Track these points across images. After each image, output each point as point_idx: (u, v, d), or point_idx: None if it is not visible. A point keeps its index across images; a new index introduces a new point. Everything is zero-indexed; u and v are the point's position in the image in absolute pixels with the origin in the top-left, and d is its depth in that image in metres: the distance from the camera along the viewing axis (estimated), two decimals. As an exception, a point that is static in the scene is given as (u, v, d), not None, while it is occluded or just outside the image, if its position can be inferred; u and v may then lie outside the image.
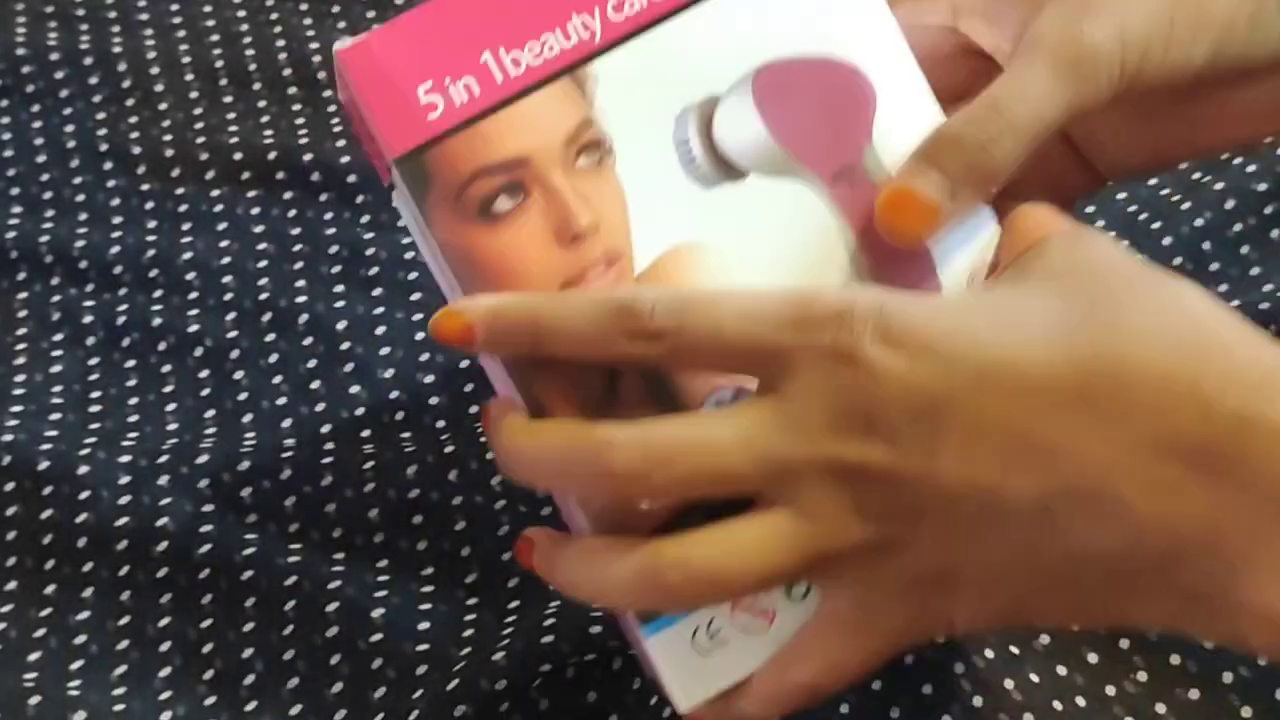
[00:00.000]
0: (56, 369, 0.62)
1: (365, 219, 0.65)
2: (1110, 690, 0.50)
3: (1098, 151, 0.48)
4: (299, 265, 0.64)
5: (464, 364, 0.60)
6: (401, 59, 0.41)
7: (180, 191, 0.67)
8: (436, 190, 0.41)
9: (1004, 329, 0.37)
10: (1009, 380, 0.37)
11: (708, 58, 0.43)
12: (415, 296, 0.62)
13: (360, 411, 0.59)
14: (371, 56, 0.41)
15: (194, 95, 0.70)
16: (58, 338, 0.63)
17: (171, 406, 0.60)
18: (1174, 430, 0.35)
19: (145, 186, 0.67)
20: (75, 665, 0.53)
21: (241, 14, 0.74)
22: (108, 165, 0.68)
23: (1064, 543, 0.37)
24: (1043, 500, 0.36)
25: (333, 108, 0.69)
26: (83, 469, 0.56)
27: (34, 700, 0.52)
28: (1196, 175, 0.62)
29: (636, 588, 0.39)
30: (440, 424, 0.58)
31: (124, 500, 0.56)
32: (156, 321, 0.62)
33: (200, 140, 0.69)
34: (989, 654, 0.51)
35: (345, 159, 0.67)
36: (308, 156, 0.67)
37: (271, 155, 0.67)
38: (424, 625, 0.52)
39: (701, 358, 0.39)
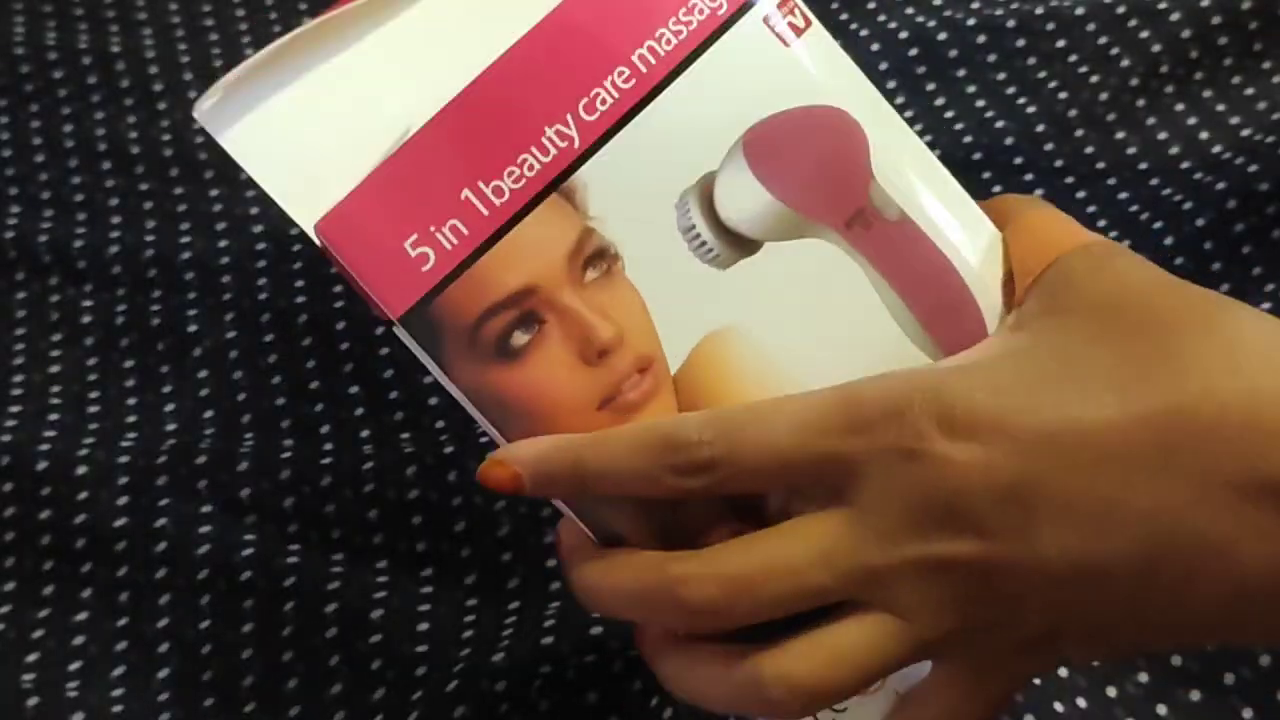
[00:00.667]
0: (55, 369, 0.62)
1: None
2: (1111, 692, 0.50)
3: None
4: (298, 265, 0.64)
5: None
6: (380, 218, 0.40)
7: (179, 191, 0.67)
8: (448, 339, 0.40)
9: (1067, 393, 0.37)
10: (1088, 452, 0.36)
11: (692, 135, 0.41)
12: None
13: (359, 412, 0.59)
14: (349, 222, 0.40)
15: (193, 95, 0.70)
16: (56, 337, 0.63)
17: (170, 407, 0.60)
18: (1263, 472, 0.35)
19: (144, 186, 0.67)
20: (74, 666, 0.53)
21: (241, 13, 0.74)
22: (106, 165, 0.68)
23: (1171, 596, 0.36)
24: (1146, 563, 0.36)
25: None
26: (81, 469, 0.56)
27: (32, 701, 0.52)
28: (1198, 175, 0.62)
29: (742, 701, 0.38)
30: (440, 424, 0.58)
31: (122, 501, 0.56)
32: (155, 321, 0.62)
33: (199, 140, 0.69)
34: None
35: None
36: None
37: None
38: (423, 626, 0.52)
39: (759, 480, 0.38)
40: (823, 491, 0.38)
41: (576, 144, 0.40)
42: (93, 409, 0.60)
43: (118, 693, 0.53)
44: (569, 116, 0.40)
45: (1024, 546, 0.36)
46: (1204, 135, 0.63)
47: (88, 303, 0.63)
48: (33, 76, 0.71)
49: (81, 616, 0.55)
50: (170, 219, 0.66)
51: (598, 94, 0.41)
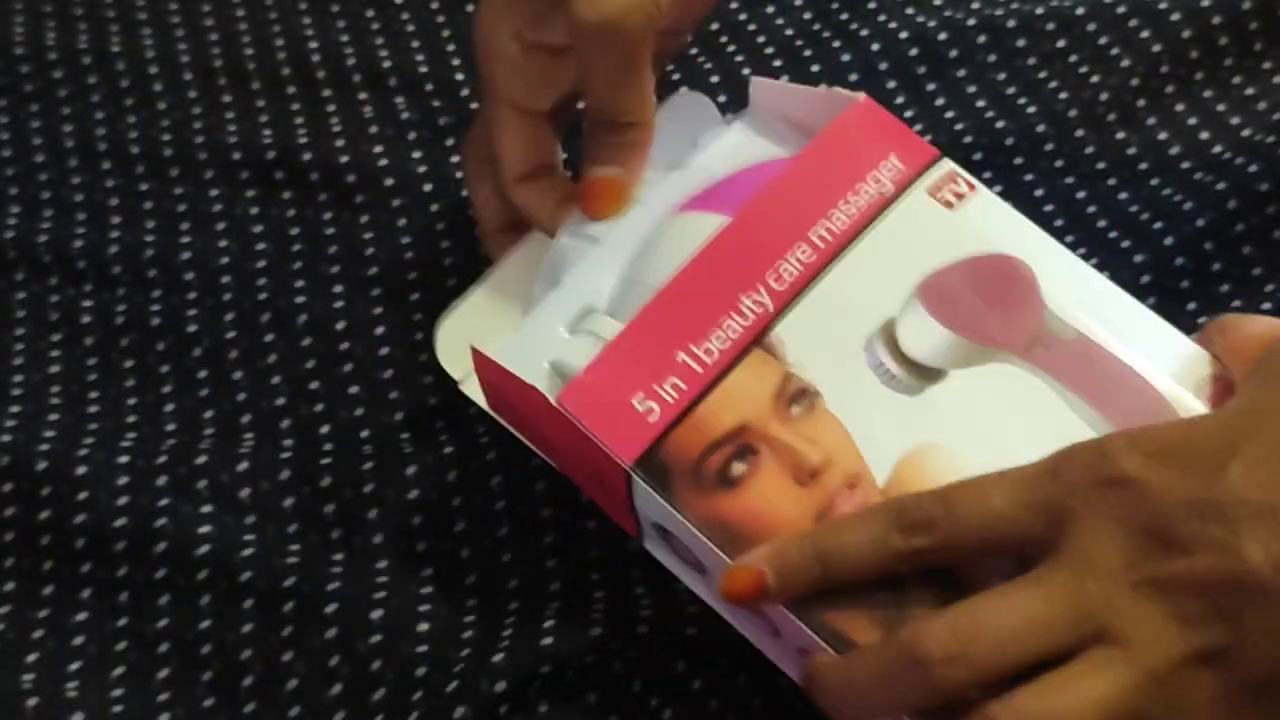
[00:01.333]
0: (54, 369, 0.62)
1: (364, 219, 0.65)
2: None
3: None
4: (298, 265, 0.64)
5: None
6: (612, 384, 0.46)
7: (179, 191, 0.67)
8: (676, 477, 0.45)
9: (1258, 422, 0.39)
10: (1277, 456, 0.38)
11: (871, 290, 0.47)
12: (414, 296, 0.62)
13: (359, 412, 0.59)
14: (588, 391, 0.46)
15: (193, 95, 0.70)
16: (55, 338, 0.63)
17: (170, 407, 0.60)
18: None
19: (144, 186, 0.67)
20: (73, 666, 0.53)
21: (241, 13, 0.74)
22: (106, 165, 0.68)
23: None
24: None
25: (332, 108, 0.69)
26: (81, 469, 0.56)
27: (32, 701, 0.52)
28: (1199, 175, 0.62)
29: None
30: (439, 424, 0.58)
31: (122, 501, 0.56)
32: (155, 321, 0.62)
33: (199, 140, 0.69)
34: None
35: (344, 159, 0.67)
36: (307, 156, 0.67)
37: (271, 155, 0.67)
38: (423, 626, 0.52)
39: (975, 537, 0.41)
40: (1038, 548, 0.40)
41: (770, 309, 0.47)
42: (92, 409, 0.60)
43: (117, 693, 0.53)
44: (761, 287, 0.47)
45: (1231, 557, 0.37)
46: (1204, 135, 0.63)
47: (87, 303, 0.63)
48: (33, 76, 0.71)
49: (81, 616, 0.55)
50: (170, 219, 0.66)
51: (784, 267, 0.47)
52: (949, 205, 0.49)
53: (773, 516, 0.44)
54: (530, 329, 0.51)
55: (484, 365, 0.49)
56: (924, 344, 0.46)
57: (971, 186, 0.49)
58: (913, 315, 0.47)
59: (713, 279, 0.47)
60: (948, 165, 0.50)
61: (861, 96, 0.51)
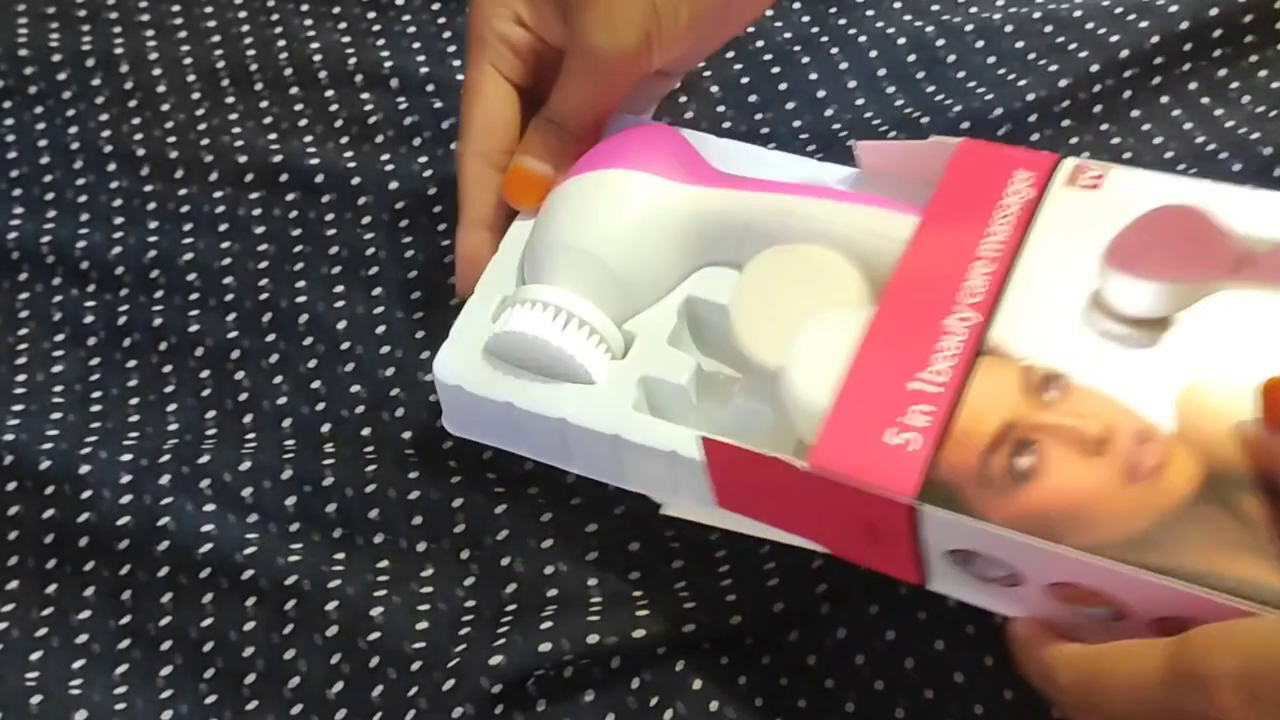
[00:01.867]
0: (58, 369, 0.62)
1: (366, 219, 0.65)
2: None
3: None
4: (300, 266, 0.64)
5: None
6: (855, 433, 0.45)
7: (182, 192, 0.67)
8: (965, 492, 0.43)
9: None
10: None
11: (1064, 273, 0.47)
12: (415, 295, 0.62)
13: (360, 410, 0.59)
14: (834, 447, 0.45)
15: (196, 96, 0.70)
16: (59, 338, 0.63)
17: (172, 407, 0.60)
18: None
19: (147, 187, 0.67)
20: (77, 664, 0.54)
21: (242, 14, 0.74)
22: (110, 166, 0.68)
23: None
24: None
25: (334, 108, 0.69)
26: (84, 469, 0.56)
27: (36, 699, 0.52)
28: (1182, 167, 0.63)
29: None
30: (441, 425, 0.58)
31: (125, 500, 0.56)
32: (157, 322, 0.63)
33: (202, 141, 0.69)
34: (939, 645, 0.51)
35: (346, 160, 0.67)
36: (310, 158, 0.67)
37: (273, 157, 0.67)
38: (423, 625, 0.52)
39: None
40: None
41: (978, 319, 0.47)
42: (95, 409, 0.60)
43: (120, 690, 0.53)
44: (959, 307, 0.47)
45: None
46: (1193, 133, 0.64)
47: (90, 303, 0.64)
48: (36, 78, 0.71)
49: (84, 615, 0.55)
50: (173, 219, 0.66)
51: (971, 284, 0.47)
52: (1093, 187, 0.49)
53: (1080, 493, 0.43)
54: (454, 337, 0.53)
55: (717, 451, 0.48)
56: (1137, 301, 0.46)
57: (1103, 170, 0.50)
58: (1115, 280, 0.47)
59: (907, 320, 0.47)
60: (1072, 160, 0.50)
61: (965, 140, 0.52)
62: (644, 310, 0.53)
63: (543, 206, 0.55)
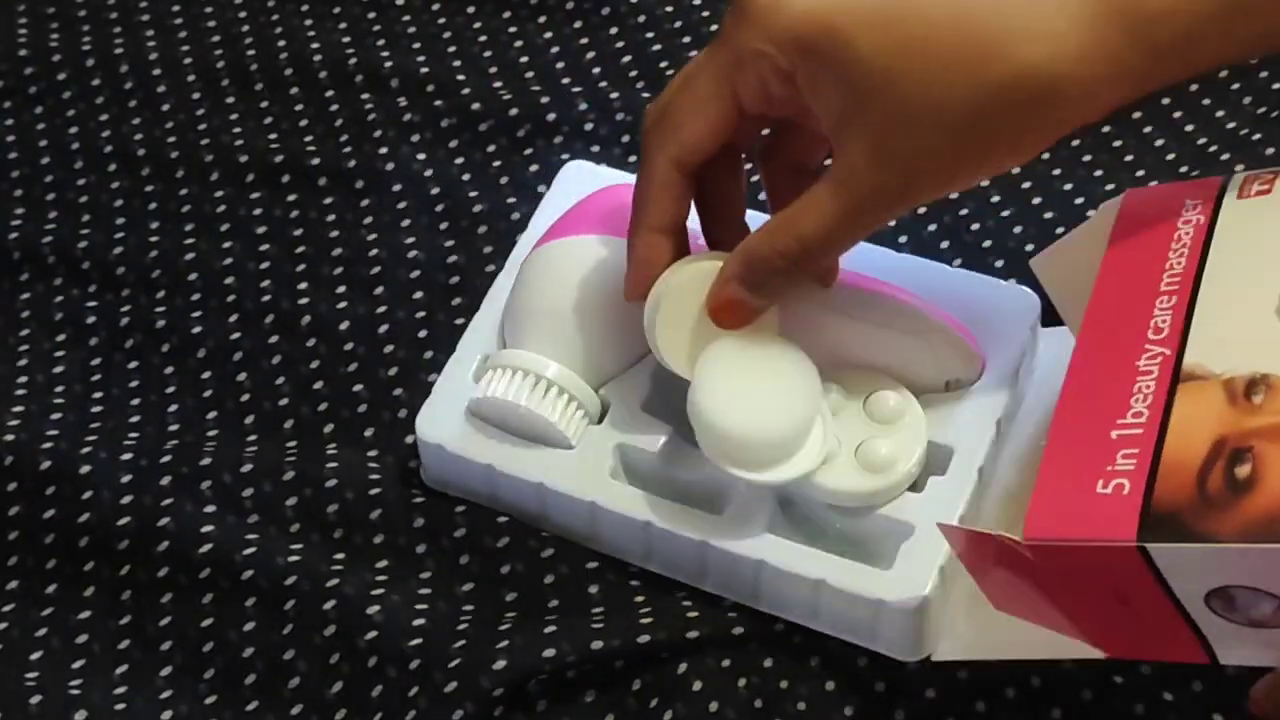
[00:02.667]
0: (59, 369, 0.62)
1: (368, 220, 0.65)
2: (1118, 679, 0.50)
3: None
4: (301, 267, 0.64)
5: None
6: (1064, 494, 0.44)
7: (184, 193, 0.67)
8: (1189, 518, 0.41)
9: None
10: None
11: (1248, 283, 0.46)
12: (417, 296, 0.62)
13: (362, 410, 0.59)
14: (1045, 515, 0.44)
15: (196, 96, 0.70)
16: (60, 338, 0.63)
17: (173, 407, 0.60)
18: None
19: (149, 188, 0.67)
20: (76, 664, 0.54)
21: (242, 14, 0.74)
22: (111, 166, 0.68)
23: None
24: None
25: (335, 107, 0.69)
26: (84, 469, 0.56)
27: (35, 699, 0.52)
28: (1184, 169, 0.63)
29: None
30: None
31: (125, 500, 0.56)
32: (159, 323, 0.62)
33: (203, 141, 0.69)
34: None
35: (348, 160, 0.67)
36: (311, 158, 0.67)
37: (274, 156, 0.67)
38: (423, 625, 0.52)
39: None
40: None
41: (1169, 352, 0.46)
42: (96, 409, 0.60)
43: (120, 691, 0.53)
44: (1149, 345, 0.46)
45: None
46: (1195, 134, 0.64)
47: (91, 303, 0.64)
48: (37, 78, 0.71)
49: (84, 615, 0.55)
50: (174, 220, 0.66)
51: (1156, 321, 0.47)
52: (1265, 192, 0.48)
53: None
54: (437, 396, 0.55)
55: (955, 538, 0.47)
56: None
57: (1273, 173, 0.49)
58: None
59: (1099, 374, 0.47)
60: (1240, 174, 0.50)
61: (1129, 190, 0.51)
62: (618, 374, 0.54)
63: (519, 271, 0.56)
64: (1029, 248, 0.60)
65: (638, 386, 0.54)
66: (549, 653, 0.50)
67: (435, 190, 0.65)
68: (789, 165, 0.53)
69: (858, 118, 0.46)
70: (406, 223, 0.64)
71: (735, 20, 0.48)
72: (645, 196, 0.51)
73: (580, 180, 0.60)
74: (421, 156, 0.66)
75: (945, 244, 0.62)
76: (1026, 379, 0.55)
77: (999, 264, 0.60)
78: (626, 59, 0.70)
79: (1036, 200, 0.63)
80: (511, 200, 0.65)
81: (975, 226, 0.62)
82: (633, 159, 0.66)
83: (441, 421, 0.54)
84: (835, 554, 0.50)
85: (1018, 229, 0.61)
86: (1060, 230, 0.61)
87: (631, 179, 0.59)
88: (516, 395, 0.52)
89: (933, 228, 0.62)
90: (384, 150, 0.67)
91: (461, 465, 0.54)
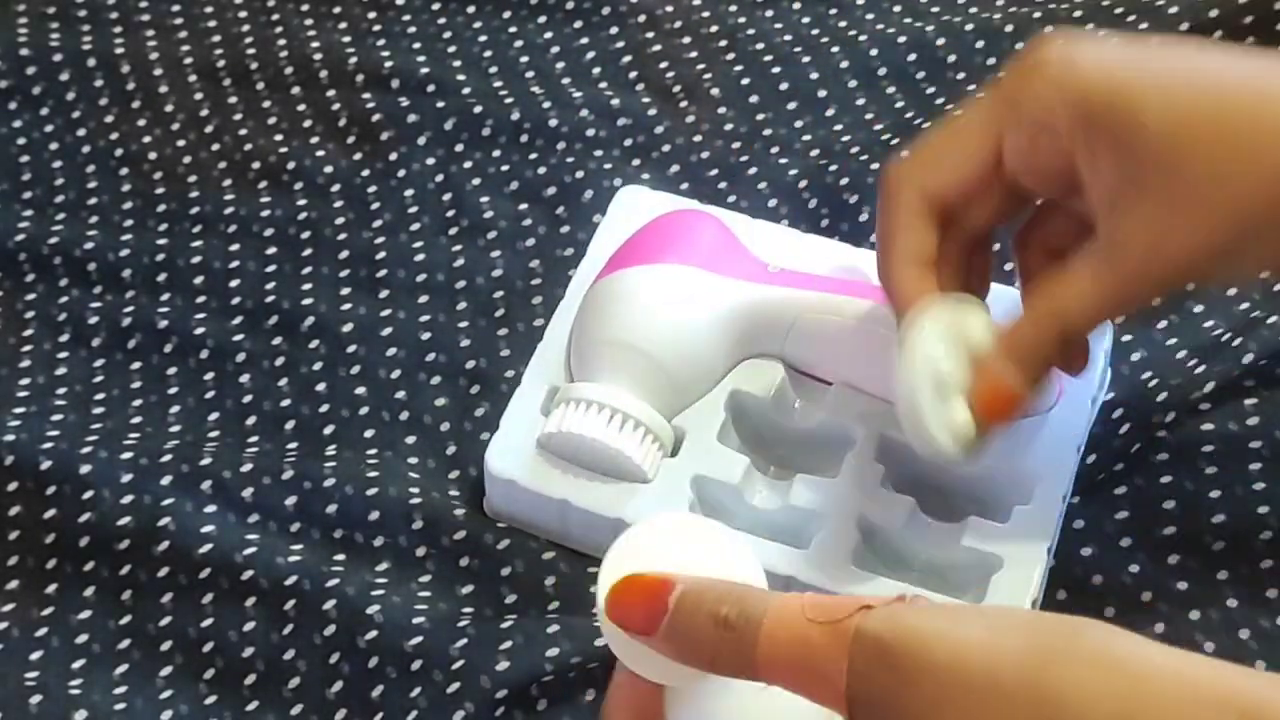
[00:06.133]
0: (61, 370, 0.62)
1: (372, 222, 0.65)
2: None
3: None
4: (306, 269, 0.64)
5: (468, 365, 0.60)
6: None
7: (188, 195, 0.67)
8: None
9: None
10: None
11: None
12: (423, 299, 0.62)
13: (363, 412, 0.59)
14: None
15: (198, 97, 0.70)
16: (62, 339, 0.63)
17: (175, 408, 0.60)
18: None
19: (153, 190, 0.67)
20: (77, 664, 0.54)
21: (242, 14, 0.74)
22: (113, 166, 0.68)
23: None
24: None
25: (336, 107, 0.69)
26: (84, 469, 0.56)
27: (35, 699, 0.52)
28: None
29: None
30: (444, 427, 0.58)
31: (126, 500, 0.56)
32: (162, 324, 0.62)
33: (206, 142, 0.69)
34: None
35: (350, 160, 0.67)
36: (314, 158, 0.67)
37: (277, 158, 0.67)
38: (423, 625, 0.52)
39: None
40: None
41: None
42: (98, 410, 0.60)
43: (120, 691, 0.53)
44: None
45: None
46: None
47: (95, 304, 0.63)
48: (38, 78, 0.71)
49: (84, 615, 0.55)
50: (179, 221, 0.66)
51: None
52: None
53: None
54: (505, 429, 0.54)
55: None
56: None
57: None
58: None
59: None
60: None
61: None
62: (691, 404, 0.54)
63: (584, 301, 0.55)
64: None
65: (711, 417, 0.54)
66: (551, 652, 0.50)
67: (440, 191, 0.65)
68: (1046, 248, 0.50)
69: (1132, 192, 0.43)
70: (414, 226, 0.64)
71: (1020, 71, 0.46)
72: (894, 225, 0.48)
73: (636, 206, 0.60)
74: (424, 157, 0.66)
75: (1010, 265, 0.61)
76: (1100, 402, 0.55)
77: None
78: (626, 59, 0.70)
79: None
80: (518, 205, 0.65)
81: None
82: (637, 162, 0.65)
83: (512, 456, 0.53)
84: (920, 587, 0.50)
85: None
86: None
87: (686, 203, 0.60)
88: (591, 429, 0.52)
89: (995, 246, 0.62)
90: (387, 151, 0.67)
91: (533, 500, 0.53)
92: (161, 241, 0.65)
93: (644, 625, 0.37)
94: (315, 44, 0.72)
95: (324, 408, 0.59)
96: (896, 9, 0.71)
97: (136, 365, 0.62)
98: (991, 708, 0.32)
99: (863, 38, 0.69)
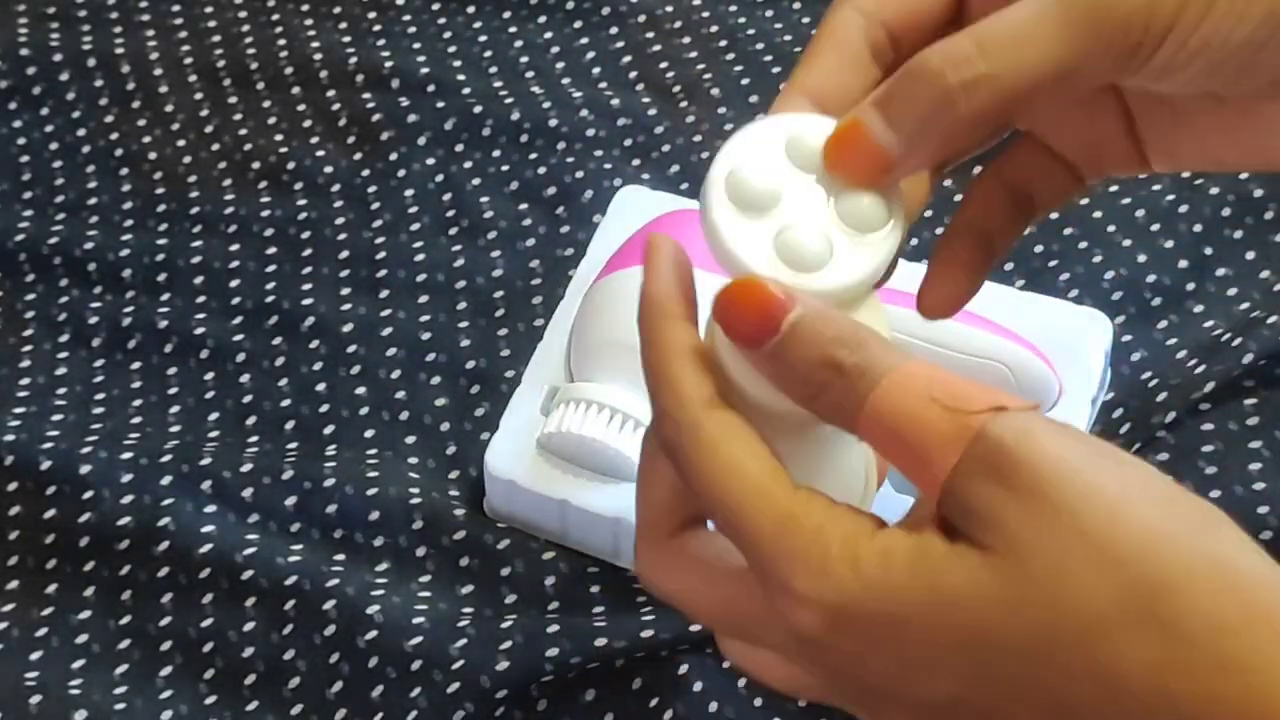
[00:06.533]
0: (61, 370, 0.62)
1: (373, 222, 0.65)
2: None
3: (1150, 131, 0.38)
4: (306, 269, 0.64)
5: (468, 365, 0.60)
6: None
7: (189, 195, 0.67)
8: None
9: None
10: None
11: None
12: (423, 299, 0.62)
13: (363, 412, 0.59)
14: None
15: (198, 97, 0.70)
16: (63, 339, 0.63)
17: (175, 408, 0.60)
18: None
19: (153, 190, 0.67)
20: (77, 664, 0.54)
21: (242, 14, 0.74)
22: (114, 166, 0.68)
23: None
24: None
25: (336, 107, 0.69)
26: (84, 468, 0.56)
27: (35, 699, 0.52)
28: (1190, 178, 0.63)
29: None
30: (444, 427, 0.58)
31: (126, 500, 0.56)
32: (162, 324, 0.62)
33: (207, 142, 0.69)
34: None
35: (351, 160, 0.67)
36: (314, 158, 0.67)
37: (278, 157, 0.67)
38: (423, 625, 0.52)
39: None
40: None
41: None
42: (98, 410, 0.60)
43: (120, 690, 0.53)
44: None
45: None
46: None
47: (95, 304, 0.63)
48: (38, 78, 0.71)
49: (84, 615, 0.55)
50: (179, 221, 0.66)
51: None
52: None
53: None
54: (505, 429, 0.54)
55: None
56: None
57: None
58: None
59: None
60: None
61: None
62: None
63: (584, 301, 0.55)
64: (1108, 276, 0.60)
65: None
66: (551, 652, 0.50)
67: (438, 190, 0.65)
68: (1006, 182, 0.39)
69: None
70: (415, 226, 0.64)
71: None
72: (808, 50, 0.37)
73: (636, 206, 0.60)
74: (424, 157, 0.66)
75: (1009, 265, 0.61)
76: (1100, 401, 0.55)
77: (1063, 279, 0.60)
78: (627, 59, 0.70)
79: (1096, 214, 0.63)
80: (518, 205, 0.65)
81: (1038, 249, 0.62)
82: (637, 162, 0.66)
83: (512, 456, 0.54)
84: None
85: (1082, 244, 0.61)
86: (1055, 216, 0.61)
87: (686, 204, 0.59)
88: (590, 429, 0.52)
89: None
90: (387, 151, 0.67)
91: (533, 500, 0.54)
92: (161, 241, 0.65)
93: (749, 339, 0.33)
94: (315, 44, 0.72)
95: (324, 408, 0.59)
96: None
97: (136, 365, 0.62)
98: (1099, 575, 0.29)
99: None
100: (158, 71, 0.72)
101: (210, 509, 0.56)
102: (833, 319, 0.33)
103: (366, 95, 0.69)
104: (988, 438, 0.30)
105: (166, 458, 0.57)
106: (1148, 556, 0.29)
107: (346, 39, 0.72)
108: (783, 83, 0.69)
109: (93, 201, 0.67)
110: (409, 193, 0.65)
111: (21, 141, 0.69)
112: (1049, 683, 0.29)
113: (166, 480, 0.56)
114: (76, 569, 0.56)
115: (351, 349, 0.61)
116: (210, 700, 0.53)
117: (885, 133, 0.33)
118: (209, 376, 0.61)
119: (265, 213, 0.66)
